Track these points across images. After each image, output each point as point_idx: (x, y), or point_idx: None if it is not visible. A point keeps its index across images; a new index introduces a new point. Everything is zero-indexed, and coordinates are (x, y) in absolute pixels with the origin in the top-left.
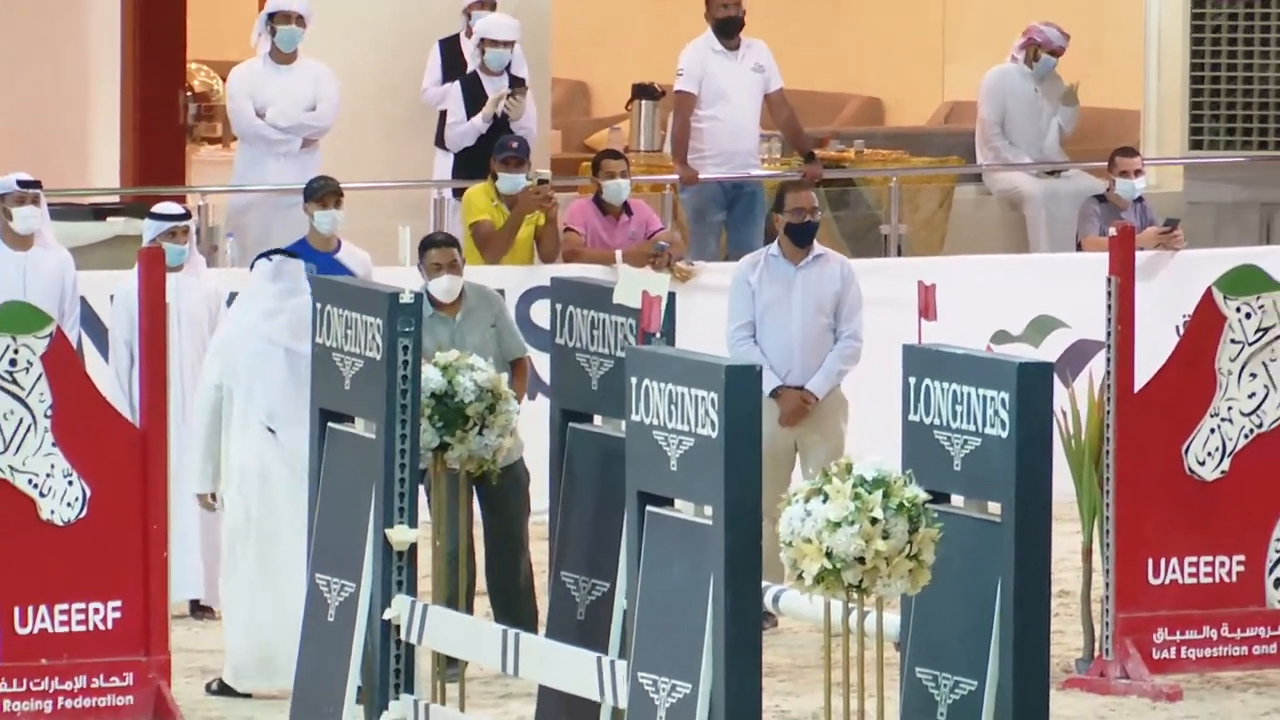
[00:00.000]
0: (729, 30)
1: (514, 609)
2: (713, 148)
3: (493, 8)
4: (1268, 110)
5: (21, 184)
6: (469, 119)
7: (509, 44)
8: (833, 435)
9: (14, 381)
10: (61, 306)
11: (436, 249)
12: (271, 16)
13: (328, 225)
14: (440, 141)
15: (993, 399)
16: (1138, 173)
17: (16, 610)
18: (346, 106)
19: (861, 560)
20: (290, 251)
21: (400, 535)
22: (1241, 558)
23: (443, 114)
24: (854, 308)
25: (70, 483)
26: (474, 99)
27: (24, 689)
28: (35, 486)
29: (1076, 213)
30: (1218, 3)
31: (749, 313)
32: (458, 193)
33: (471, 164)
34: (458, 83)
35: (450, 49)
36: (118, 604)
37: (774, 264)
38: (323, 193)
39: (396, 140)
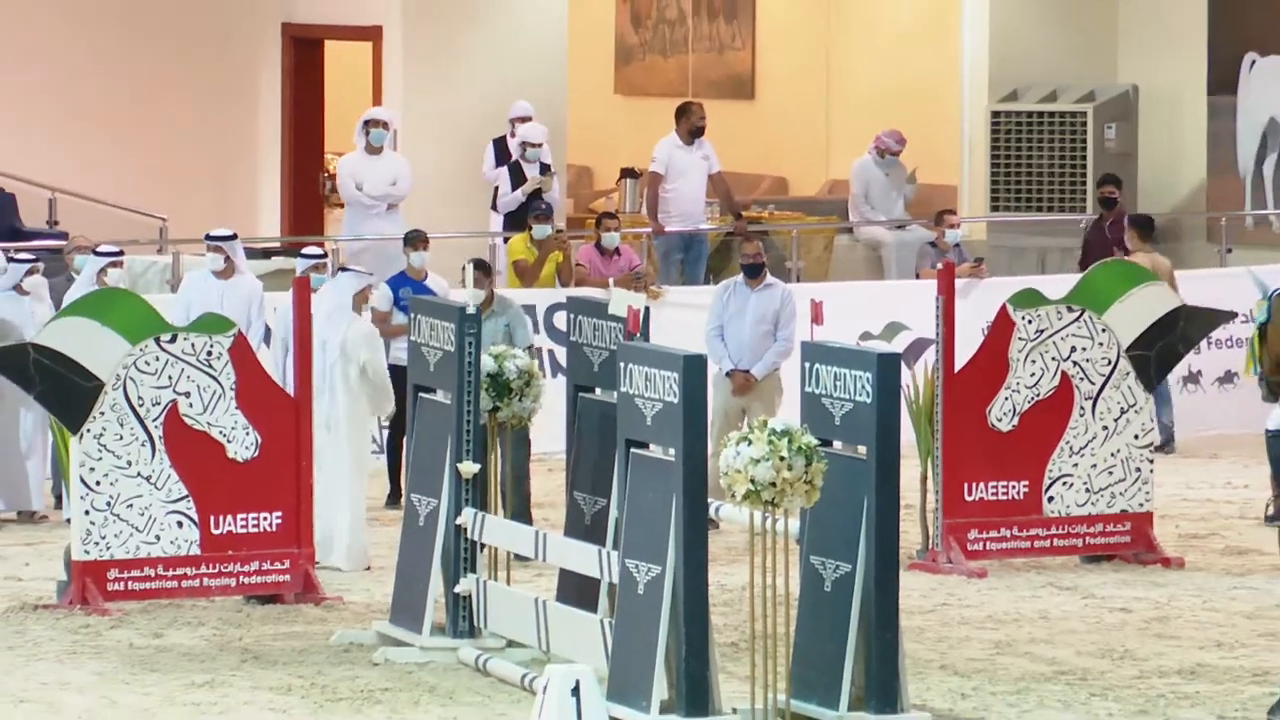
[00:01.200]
0: (697, 135)
1: (518, 507)
2: (675, 210)
3: (529, 119)
4: (1042, 185)
5: (210, 237)
6: (513, 192)
7: (539, 145)
8: (769, 404)
9: (210, 366)
10: (249, 315)
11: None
12: (366, 122)
13: (419, 262)
14: (494, 207)
15: (860, 377)
16: (954, 226)
17: (212, 518)
18: (429, 181)
19: (774, 485)
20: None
21: (466, 468)
22: (1026, 483)
23: (495, 189)
24: (788, 320)
25: (247, 433)
26: (517, 180)
27: (217, 571)
28: (224, 435)
29: (916, 253)
30: (1009, 115)
31: (720, 319)
32: (504, 240)
33: (513, 223)
34: (505, 169)
35: (500, 145)
36: (279, 514)
37: (738, 288)
38: (416, 240)
39: (461, 205)
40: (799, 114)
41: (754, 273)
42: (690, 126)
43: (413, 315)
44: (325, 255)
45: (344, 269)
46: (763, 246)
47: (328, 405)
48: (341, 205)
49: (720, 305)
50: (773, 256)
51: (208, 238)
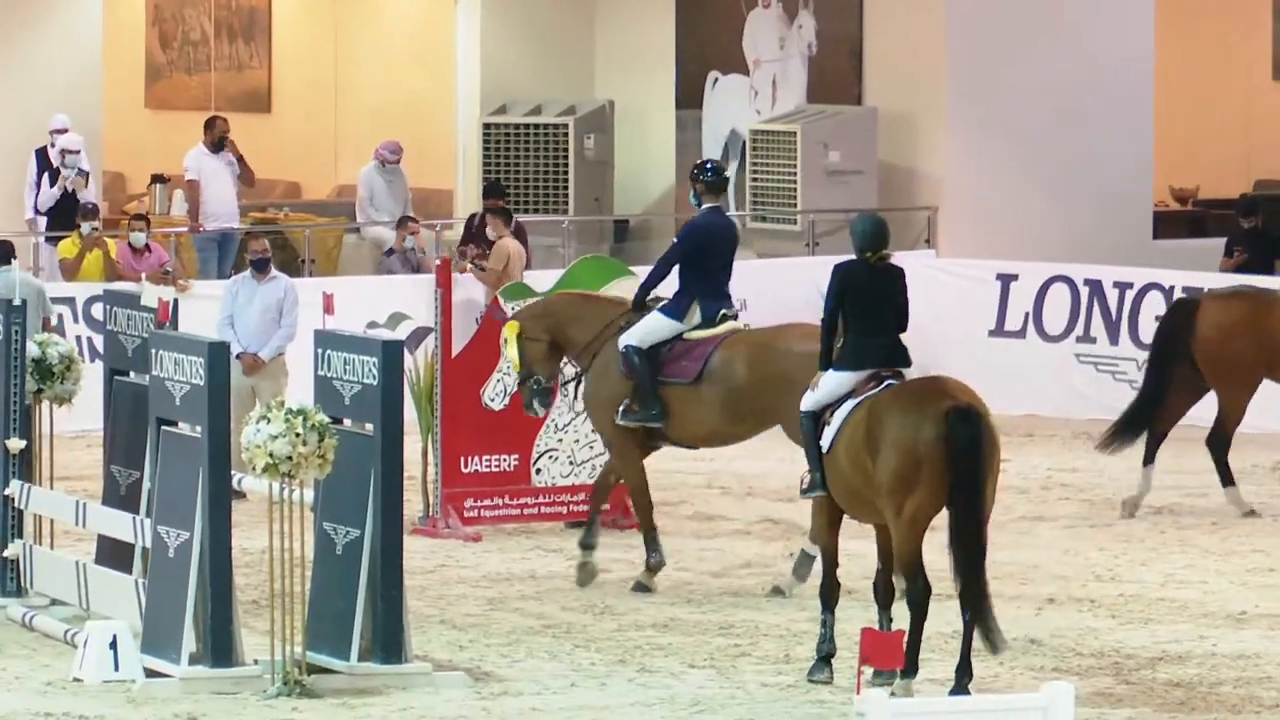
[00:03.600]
0: (223, 144)
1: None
2: (210, 211)
3: (67, 130)
4: (529, 189)
5: None
6: (51, 189)
7: (77, 152)
8: (275, 382)
9: None
10: None
11: None
12: None
13: None
14: (35, 208)
15: (367, 362)
16: (414, 233)
17: None
18: None
19: (290, 458)
20: None
21: (14, 444)
22: (517, 456)
23: (37, 190)
24: (290, 308)
25: None
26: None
27: None
28: None
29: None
30: (500, 127)
31: (230, 309)
32: (46, 239)
33: (53, 223)
34: (47, 174)
35: (42, 154)
36: None
37: (246, 281)
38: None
39: (6, 210)
40: (311, 126)
41: (261, 267)
42: (215, 137)
43: None
44: None
45: None
46: (268, 243)
47: None
48: None
49: (230, 296)
50: (287, 254)
51: None
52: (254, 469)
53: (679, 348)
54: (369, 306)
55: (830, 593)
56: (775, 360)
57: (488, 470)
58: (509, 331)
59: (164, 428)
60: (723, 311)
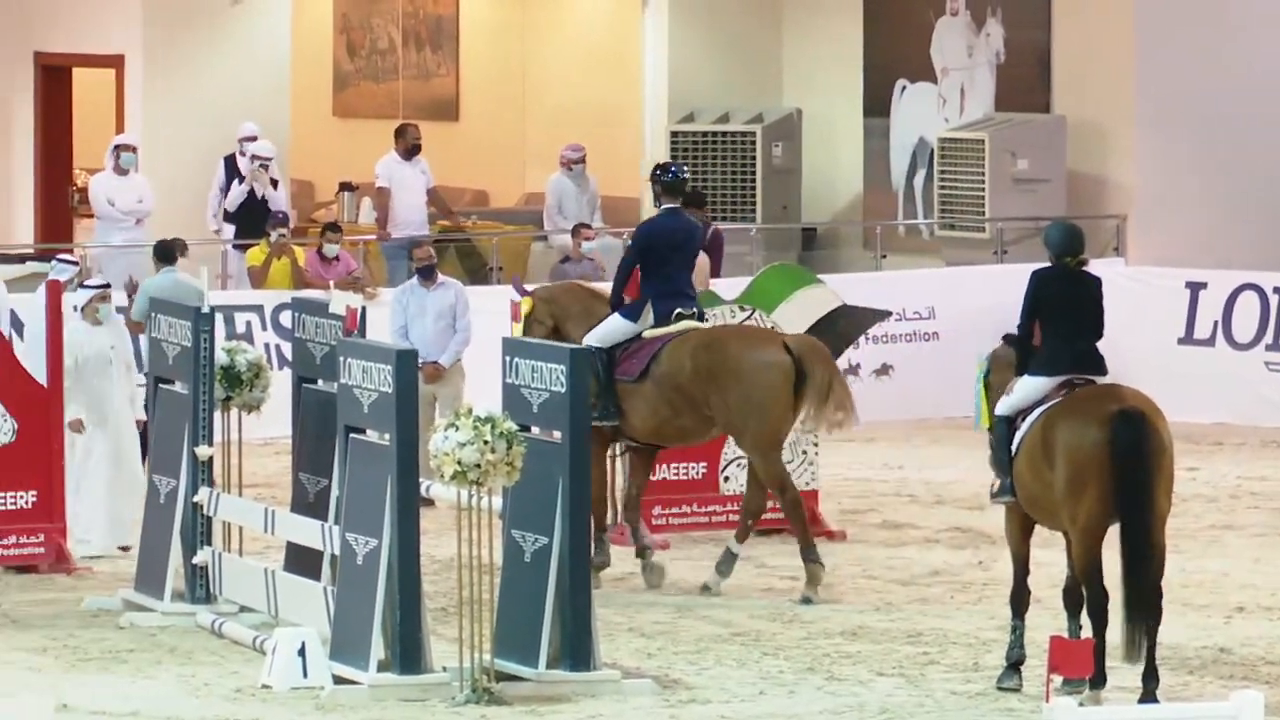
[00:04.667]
0: (413, 153)
1: None
2: (399, 219)
3: (256, 138)
4: (717, 197)
5: None
6: (237, 187)
7: (270, 159)
8: (456, 388)
9: None
10: None
11: None
12: (117, 146)
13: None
14: (225, 215)
15: (555, 370)
16: (589, 239)
17: None
18: (168, 196)
19: (479, 466)
20: None
21: (203, 451)
22: (704, 464)
23: (223, 193)
24: (463, 312)
25: (4, 420)
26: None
27: None
28: None
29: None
30: (687, 135)
31: (402, 319)
32: (234, 247)
33: (243, 230)
34: (222, 165)
35: (230, 162)
36: (34, 493)
37: (415, 290)
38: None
39: (195, 217)
40: (498, 133)
41: (427, 274)
42: (408, 145)
43: (152, 314)
44: (78, 263)
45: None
46: (433, 250)
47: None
48: (89, 215)
49: (400, 307)
50: (474, 261)
51: None
52: (442, 476)
53: (634, 346)
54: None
55: (1020, 599)
56: (711, 353)
57: (676, 477)
58: (525, 305)
59: (352, 435)
60: (678, 310)
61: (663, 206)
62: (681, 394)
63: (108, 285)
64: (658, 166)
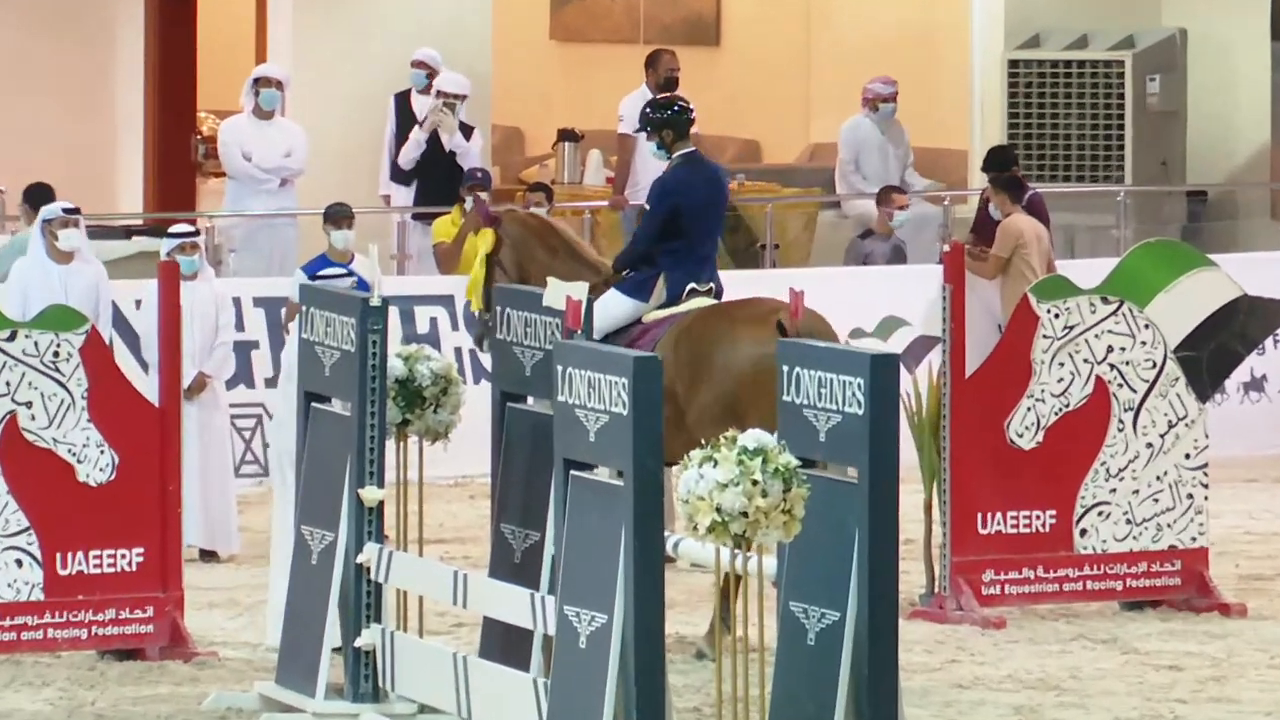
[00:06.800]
0: (669, 88)
1: None
2: (647, 182)
3: (437, 71)
4: (1070, 150)
5: (66, 210)
6: (414, 135)
7: (462, 97)
8: None
9: (57, 370)
10: (96, 309)
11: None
12: (257, 80)
13: (342, 242)
14: (393, 176)
15: (851, 383)
16: (902, 207)
17: (58, 556)
18: (317, 152)
19: (745, 514)
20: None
21: (370, 494)
22: (1053, 512)
23: (395, 151)
24: None
25: (102, 451)
26: (429, 149)
27: (64, 620)
28: (73, 454)
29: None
30: (1029, 64)
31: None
32: (418, 217)
33: (426, 194)
34: (392, 106)
35: (403, 103)
36: (141, 550)
37: None
38: (339, 215)
39: (360, 178)
40: (774, 65)
41: None
42: (661, 78)
43: (305, 307)
44: (197, 233)
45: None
46: None
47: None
48: (217, 175)
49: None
50: (739, 237)
51: (63, 210)
52: (695, 528)
53: (633, 334)
54: (850, 308)
55: None
56: (691, 339)
57: (1014, 531)
58: (481, 242)
59: (573, 472)
60: (691, 286)
61: (675, 155)
62: (670, 402)
63: (196, 232)
64: (650, 104)
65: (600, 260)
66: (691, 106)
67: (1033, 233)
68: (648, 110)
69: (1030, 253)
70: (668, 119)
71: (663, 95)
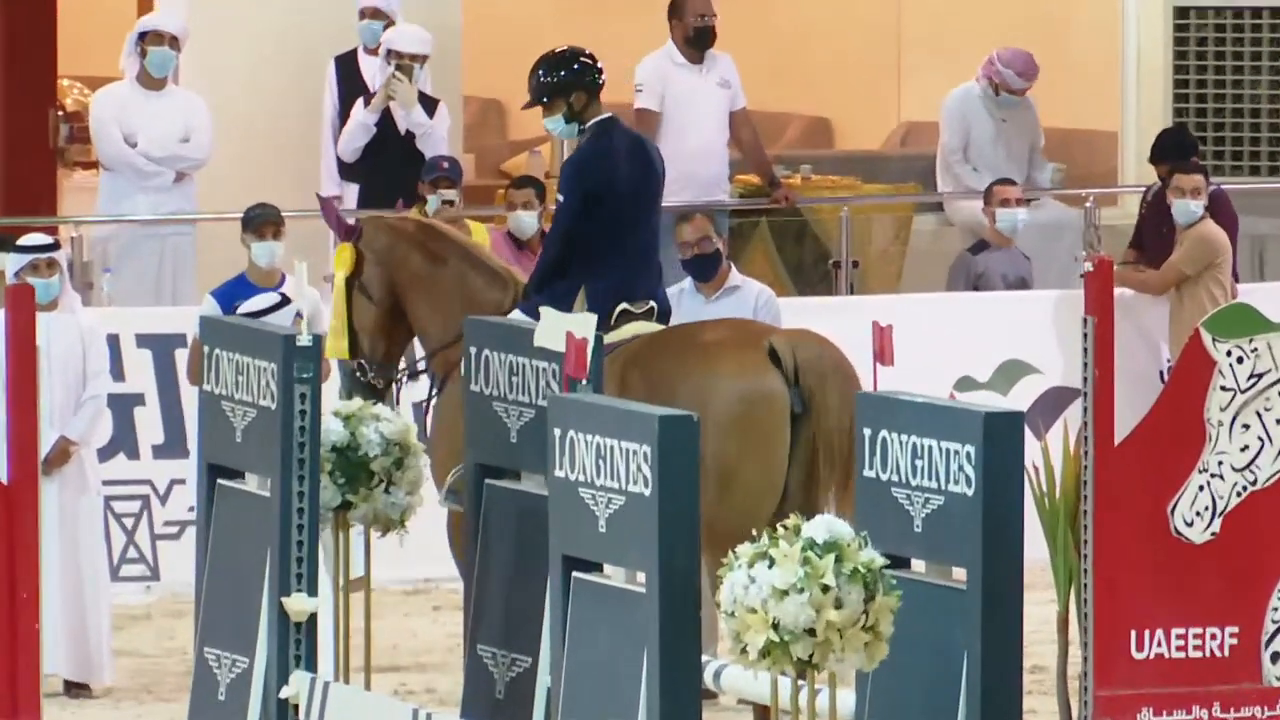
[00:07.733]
0: (702, 42)
1: None
2: (676, 170)
3: (391, 21)
4: (1260, 133)
5: None
6: (359, 118)
7: (422, 57)
8: None
9: None
10: None
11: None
12: (143, 36)
13: (266, 258)
14: (344, 169)
15: (957, 452)
16: (1019, 202)
17: None
18: (226, 134)
19: (812, 632)
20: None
21: (298, 604)
22: (1235, 629)
23: (336, 129)
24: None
25: None
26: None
27: None
28: None
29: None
30: (1202, 13)
31: None
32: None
33: (374, 192)
34: (333, 71)
35: (347, 67)
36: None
37: (688, 298)
38: (260, 222)
39: (284, 170)
40: (849, 11)
41: (702, 271)
42: (689, 31)
43: (208, 350)
44: (57, 247)
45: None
46: (713, 227)
47: None
48: (87, 165)
49: None
50: (804, 251)
51: None
52: (744, 651)
53: None
54: (958, 349)
55: None
56: (644, 372)
57: (1181, 655)
58: (338, 262)
59: (577, 574)
60: (623, 306)
61: (588, 123)
62: None
63: (55, 245)
64: (542, 63)
65: (509, 270)
66: (598, 60)
67: (1223, 244)
68: (540, 72)
69: (1225, 273)
70: (571, 79)
71: (557, 50)
